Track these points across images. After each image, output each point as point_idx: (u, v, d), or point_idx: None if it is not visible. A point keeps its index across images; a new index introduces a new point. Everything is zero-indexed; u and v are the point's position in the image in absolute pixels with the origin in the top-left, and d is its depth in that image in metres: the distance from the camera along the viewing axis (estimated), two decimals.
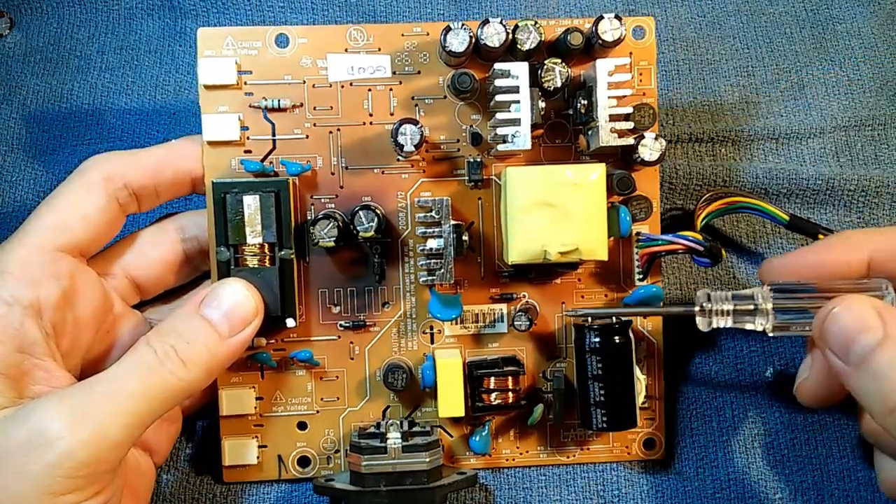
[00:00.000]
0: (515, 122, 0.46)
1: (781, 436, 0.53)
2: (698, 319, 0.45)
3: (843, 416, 0.53)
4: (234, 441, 0.50)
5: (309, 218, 0.49)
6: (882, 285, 0.43)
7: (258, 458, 0.50)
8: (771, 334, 0.44)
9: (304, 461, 0.51)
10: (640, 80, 0.50)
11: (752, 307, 0.44)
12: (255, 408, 0.50)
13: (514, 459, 0.52)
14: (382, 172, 0.50)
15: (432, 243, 0.46)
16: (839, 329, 0.40)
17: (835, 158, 0.56)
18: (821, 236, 0.50)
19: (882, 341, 0.38)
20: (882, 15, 0.58)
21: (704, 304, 0.45)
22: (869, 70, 0.57)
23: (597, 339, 0.48)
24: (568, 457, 0.52)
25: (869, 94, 0.57)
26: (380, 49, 0.49)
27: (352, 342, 0.50)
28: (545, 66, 0.47)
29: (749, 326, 0.44)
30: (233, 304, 0.44)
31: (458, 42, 0.46)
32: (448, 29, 0.46)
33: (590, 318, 0.48)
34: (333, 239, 0.47)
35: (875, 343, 0.38)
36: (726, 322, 0.45)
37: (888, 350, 0.38)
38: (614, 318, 0.48)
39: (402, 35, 0.49)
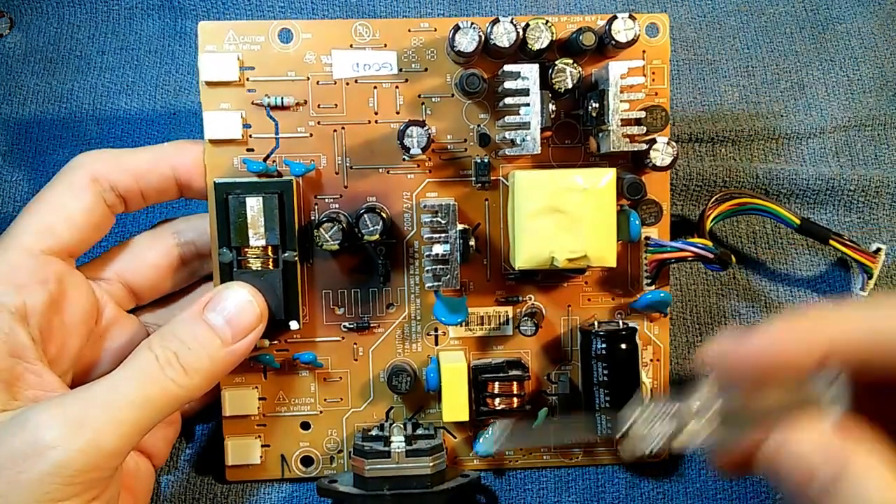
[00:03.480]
0: (525, 125, 0.41)
1: None
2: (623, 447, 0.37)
3: None
4: (237, 441, 0.46)
5: (313, 218, 0.45)
6: (831, 395, 0.34)
7: (261, 457, 0.47)
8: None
9: (307, 461, 0.47)
10: (653, 80, 0.45)
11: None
12: (259, 408, 0.46)
13: (517, 461, 0.48)
14: (388, 172, 0.45)
15: (438, 249, 0.42)
16: (790, 468, 0.33)
17: (835, 158, 0.53)
18: (832, 242, 0.46)
19: (838, 476, 0.32)
20: (882, 15, 0.55)
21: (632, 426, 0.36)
22: (869, 70, 0.54)
23: (603, 346, 0.44)
24: (571, 459, 0.48)
25: (869, 94, 0.53)
26: (386, 45, 0.44)
27: (355, 344, 0.46)
28: (556, 67, 0.42)
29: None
30: (236, 309, 0.40)
31: (468, 41, 0.41)
32: (457, 28, 0.41)
33: (596, 324, 0.44)
34: (338, 242, 0.42)
35: (829, 481, 0.32)
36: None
37: (845, 488, 0.32)
38: (621, 323, 0.45)
39: (409, 31, 0.44)
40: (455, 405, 0.44)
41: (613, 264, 0.42)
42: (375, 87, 0.45)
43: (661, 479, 0.49)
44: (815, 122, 0.52)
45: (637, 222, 0.44)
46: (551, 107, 0.42)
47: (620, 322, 0.46)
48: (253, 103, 0.44)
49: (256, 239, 0.42)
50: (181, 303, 0.47)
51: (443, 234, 0.42)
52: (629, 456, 0.36)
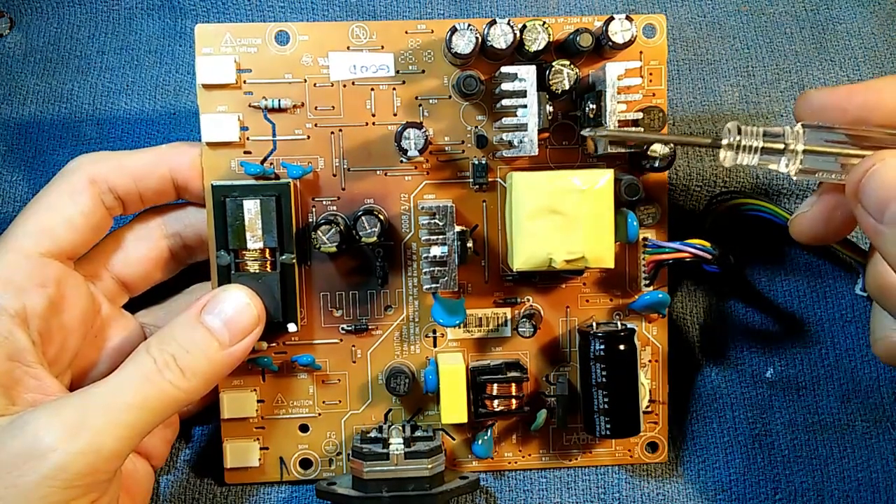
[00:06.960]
0: (522, 127, 0.41)
1: (781, 436, 0.49)
2: (722, 153, 0.38)
3: (843, 417, 0.49)
4: (235, 443, 0.46)
5: (310, 220, 0.45)
6: None
7: (260, 460, 0.47)
8: (794, 177, 0.37)
9: (305, 463, 0.47)
10: (651, 81, 0.45)
11: (781, 146, 0.37)
12: (257, 410, 0.46)
13: (516, 463, 0.48)
14: (385, 174, 0.45)
15: (436, 250, 0.42)
16: (877, 187, 0.33)
17: None
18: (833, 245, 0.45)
19: None
20: (882, 15, 0.54)
21: (732, 139, 0.37)
22: (869, 70, 0.53)
23: (601, 347, 0.43)
24: (570, 460, 0.48)
25: None
26: (383, 47, 0.44)
27: (353, 346, 0.46)
28: (553, 68, 0.42)
29: (773, 167, 0.37)
30: (234, 312, 0.40)
31: (464, 43, 0.41)
32: (454, 29, 0.41)
33: (595, 325, 0.44)
34: (336, 244, 0.42)
35: None
36: (752, 160, 0.37)
37: None
38: (619, 324, 0.44)
39: (406, 33, 0.44)
40: (453, 407, 0.44)
41: (611, 265, 0.42)
42: (373, 89, 0.45)
43: (661, 479, 0.49)
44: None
45: (634, 223, 0.44)
46: (548, 108, 0.42)
47: (619, 323, 0.46)
48: (250, 106, 0.44)
49: (254, 241, 0.42)
50: (178, 303, 0.47)
51: (441, 236, 0.42)
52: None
